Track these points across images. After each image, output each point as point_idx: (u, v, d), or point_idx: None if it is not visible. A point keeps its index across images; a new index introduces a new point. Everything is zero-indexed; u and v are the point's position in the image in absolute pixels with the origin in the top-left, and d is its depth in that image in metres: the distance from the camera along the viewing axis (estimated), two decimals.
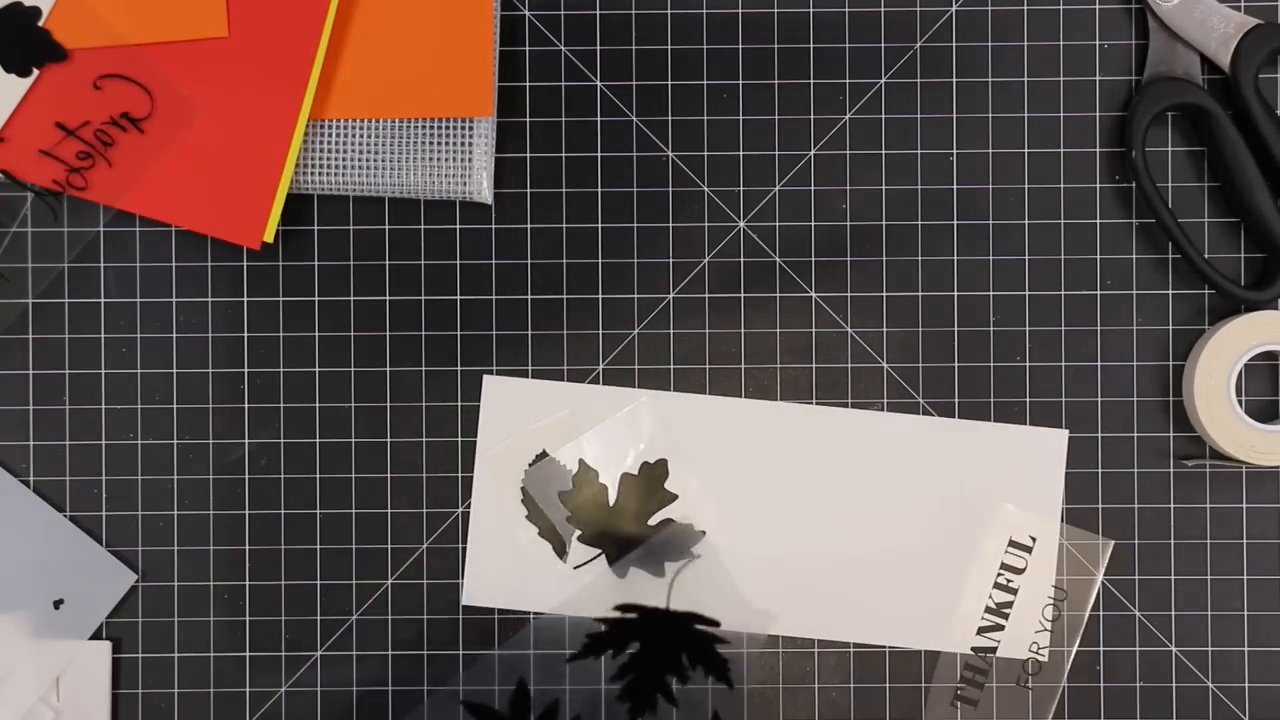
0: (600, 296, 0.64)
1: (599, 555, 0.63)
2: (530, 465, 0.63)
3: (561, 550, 0.63)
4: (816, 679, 0.64)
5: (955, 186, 0.64)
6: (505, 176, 0.64)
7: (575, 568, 0.63)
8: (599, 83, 0.64)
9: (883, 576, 0.63)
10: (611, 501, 0.63)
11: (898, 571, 0.63)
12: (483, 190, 0.62)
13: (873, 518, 0.63)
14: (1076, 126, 0.64)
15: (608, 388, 0.64)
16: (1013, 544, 0.63)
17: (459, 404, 0.64)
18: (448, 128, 0.62)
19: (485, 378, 0.64)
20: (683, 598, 0.63)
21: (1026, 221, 0.64)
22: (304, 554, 0.64)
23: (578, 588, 0.63)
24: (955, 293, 0.64)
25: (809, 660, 0.64)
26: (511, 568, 0.63)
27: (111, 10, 0.62)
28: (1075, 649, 0.63)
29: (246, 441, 0.64)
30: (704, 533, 0.63)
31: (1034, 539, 0.63)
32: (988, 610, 0.63)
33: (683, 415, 0.63)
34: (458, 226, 0.64)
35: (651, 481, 0.63)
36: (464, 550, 0.64)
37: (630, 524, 0.63)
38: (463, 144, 0.62)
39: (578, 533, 0.63)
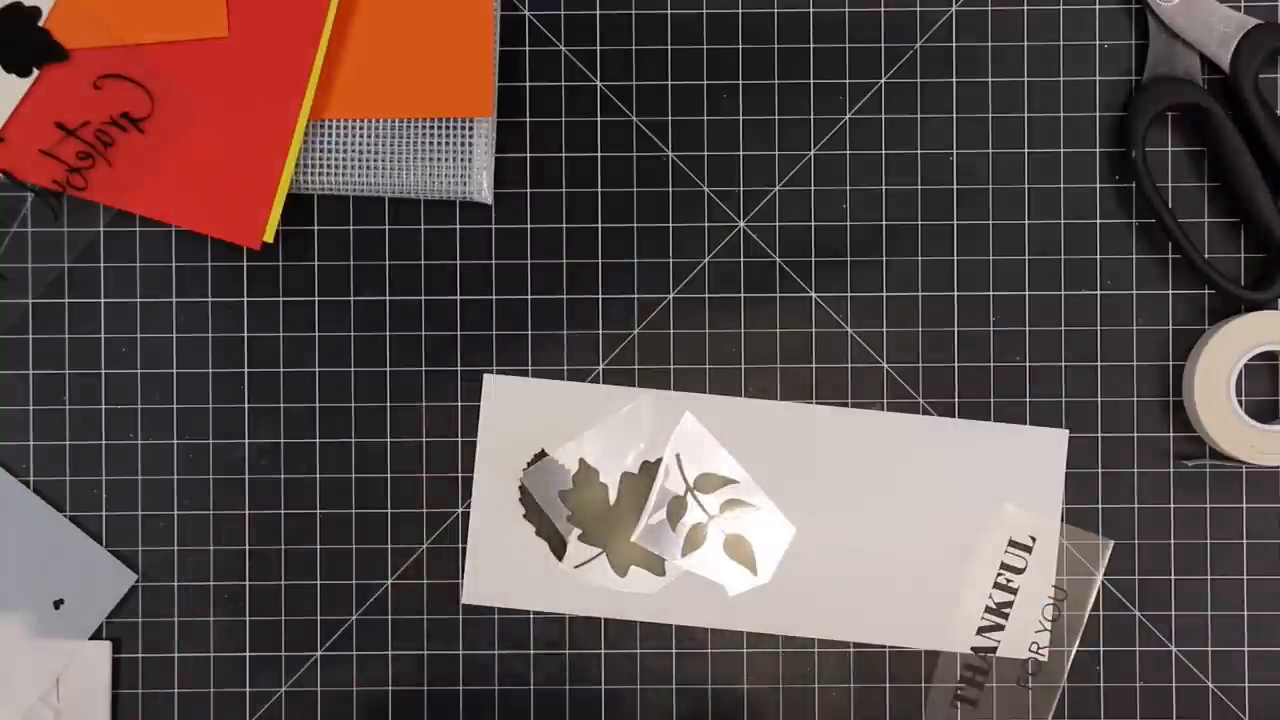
0: (600, 296, 0.64)
1: (599, 554, 0.63)
2: (529, 465, 0.63)
3: (560, 550, 0.63)
4: (817, 679, 0.64)
5: (955, 186, 0.64)
6: (505, 176, 0.64)
7: (575, 567, 0.63)
8: (599, 83, 0.64)
9: (882, 576, 0.63)
10: (612, 501, 0.63)
11: (898, 571, 0.63)
12: (483, 190, 0.62)
13: (872, 517, 0.63)
14: (1076, 126, 0.64)
15: (608, 387, 0.64)
16: (1012, 544, 0.63)
17: (459, 404, 0.64)
18: (448, 128, 0.62)
19: (485, 377, 0.64)
20: (681, 597, 0.63)
21: (1026, 221, 0.64)
22: (304, 554, 0.64)
23: (578, 587, 0.63)
24: (955, 293, 0.64)
25: (809, 660, 0.64)
26: (511, 567, 0.63)
27: (111, 10, 0.62)
28: (1075, 649, 0.63)
29: (246, 441, 0.64)
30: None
31: (1034, 539, 0.63)
32: (988, 610, 0.63)
33: (684, 414, 0.63)
34: (458, 226, 0.64)
35: (651, 481, 0.63)
36: (464, 550, 0.64)
37: (630, 523, 0.63)
38: (463, 144, 0.62)
39: (578, 532, 0.63)
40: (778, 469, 0.63)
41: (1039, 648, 0.63)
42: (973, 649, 0.63)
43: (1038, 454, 0.63)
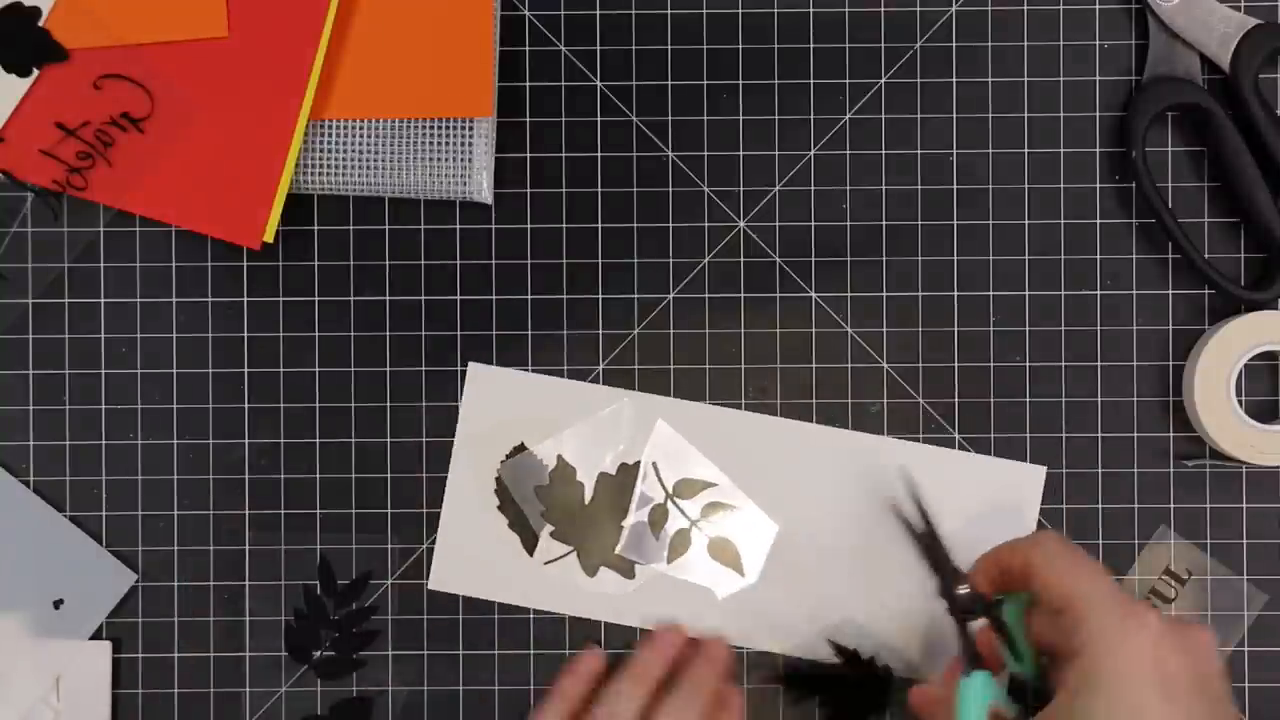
0: (600, 296, 0.64)
1: (570, 553, 0.63)
2: (507, 456, 0.63)
3: (531, 545, 0.63)
4: None
5: (955, 186, 0.64)
6: (505, 176, 0.64)
7: (545, 563, 0.63)
8: (599, 83, 0.64)
9: (860, 593, 0.63)
10: (587, 500, 0.63)
11: (875, 592, 0.63)
12: (483, 190, 0.62)
13: (848, 536, 0.63)
14: (1076, 126, 0.64)
15: (592, 385, 0.64)
16: None
17: (459, 404, 0.64)
18: (448, 128, 0.62)
19: (470, 365, 0.64)
20: (651, 601, 0.63)
21: (1026, 221, 0.64)
22: (304, 554, 0.64)
23: (545, 582, 0.63)
24: (955, 293, 0.64)
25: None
26: (481, 557, 0.63)
27: (111, 10, 0.62)
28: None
29: (246, 441, 0.64)
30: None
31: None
32: None
33: (664, 419, 0.63)
34: (458, 226, 0.64)
35: (628, 483, 0.63)
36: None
37: (604, 524, 0.63)
38: (463, 144, 0.62)
39: (550, 529, 0.63)
40: (750, 479, 0.63)
41: None
42: None
43: (1014, 487, 0.63)
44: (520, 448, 0.63)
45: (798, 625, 0.63)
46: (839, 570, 0.63)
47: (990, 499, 0.63)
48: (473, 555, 0.63)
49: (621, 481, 0.63)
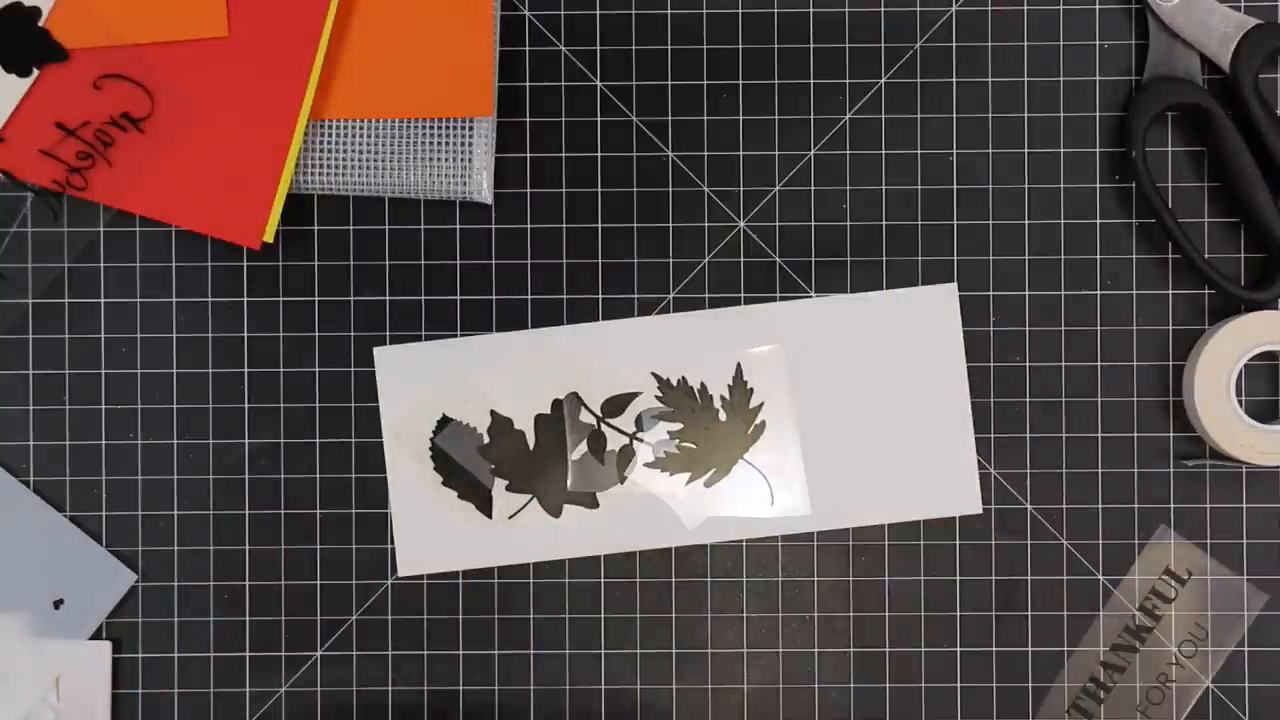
0: (600, 296, 0.64)
1: (530, 500, 0.63)
2: (436, 431, 0.63)
3: (487, 508, 0.63)
4: (816, 679, 0.64)
5: (955, 186, 0.64)
6: (505, 176, 0.64)
7: (510, 518, 0.63)
8: (599, 83, 0.64)
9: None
10: (531, 445, 0.63)
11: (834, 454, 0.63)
12: (483, 190, 0.62)
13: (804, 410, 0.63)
14: (1076, 126, 0.64)
15: (499, 335, 0.63)
16: None
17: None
18: (448, 128, 0.62)
19: (375, 349, 0.64)
20: (619, 526, 0.63)
21: (1026, 221, 0.64)
22: (304, 554, 0.64)
23: (512, 537, 0.63)
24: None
25: (809, 660, 0.64)
26: (441, 532, 0.63)
27: (111, 10, 0.62)
28: (1075, 649, 0.63)
29: (246, 441, 0.64)
30: None
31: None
32: None
33: (582, 347, 0.63)
34: (458, 226, 0.64)
35: (561, 417, 0.63)
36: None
37: (554, 463, 0.63)
38: (463, 144, 0.62)
39: (504, 483, 0.63)
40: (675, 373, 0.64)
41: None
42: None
43: (933, 312, 0.63)
44: (445, 419, 0.63)
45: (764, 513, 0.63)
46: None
47: (909, 329, 0.63)
48: (434, 536, 0.63)
49: (558, 417, 0.63)
